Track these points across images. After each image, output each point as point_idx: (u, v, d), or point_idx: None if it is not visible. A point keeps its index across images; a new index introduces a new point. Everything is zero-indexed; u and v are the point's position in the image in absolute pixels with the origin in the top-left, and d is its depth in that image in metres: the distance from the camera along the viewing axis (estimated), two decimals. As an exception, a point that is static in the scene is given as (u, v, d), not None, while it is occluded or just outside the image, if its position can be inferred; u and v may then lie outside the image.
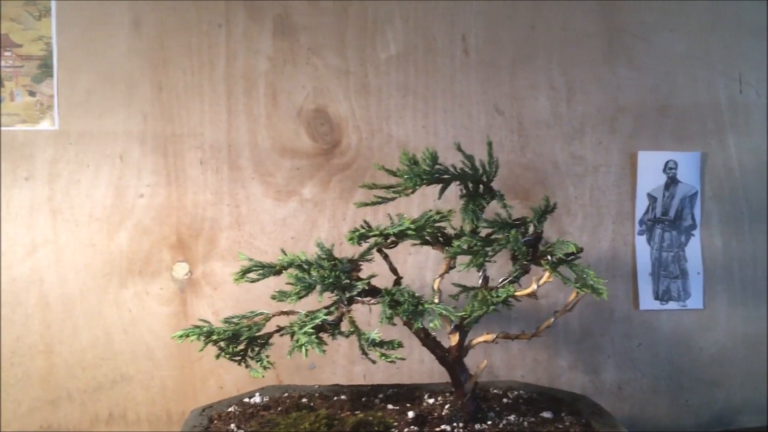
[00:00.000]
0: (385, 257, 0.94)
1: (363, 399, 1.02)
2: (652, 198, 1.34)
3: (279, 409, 0.97)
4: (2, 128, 1.14)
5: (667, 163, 1.34)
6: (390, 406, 0.99)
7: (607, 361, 1.33)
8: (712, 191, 1.36)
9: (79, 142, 1.17)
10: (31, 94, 1.16)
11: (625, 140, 1.33)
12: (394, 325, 0.82)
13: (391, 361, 0.78)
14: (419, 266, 1.26)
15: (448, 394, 1.01)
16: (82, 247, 1.17)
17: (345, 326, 0.84)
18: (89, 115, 1.17)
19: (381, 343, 0.80)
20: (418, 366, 1.27)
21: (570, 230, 1.32)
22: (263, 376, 0.85)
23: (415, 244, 0.93)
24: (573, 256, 0.80)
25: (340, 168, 1.25)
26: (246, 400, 1.02)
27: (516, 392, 1.05)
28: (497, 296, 0.81)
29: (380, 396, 1.03)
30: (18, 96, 1.15)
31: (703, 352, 1.36)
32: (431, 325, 0.78)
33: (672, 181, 1.35)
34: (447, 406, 0.95)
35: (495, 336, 0.92)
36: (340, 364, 1.25)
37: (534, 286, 0.84)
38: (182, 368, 1.20)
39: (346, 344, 1.25)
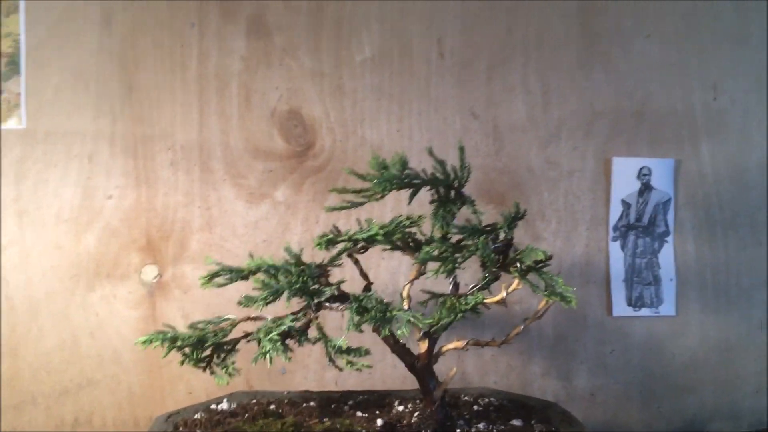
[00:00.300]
0: (356, 262, 0.93)
1: (332, 406, 1.01)
2: (626, 204, 1.34)
3: (246, 416, 0.96)
4: (-33, 126, 1.12)
5: (641, 169, 1.34)
6: (359, 414, 0.98)
7: (580, 368, 1.33)
8: (686, 198, 1.36)
9: (47, 141, 1.15)
10: (-2, 91, 1.13)
11: (601, 145, 1.33)
12: (362, 332, 0.80)
13: (357, 369, 0.77)
14: (392, 271, 1.25)
15: (418, 402, 1.00)
16: (48, 248, 1.15)
17: (313, 332, 0.83)
18: (57, 114, 1.15)
19: (348, 350, 0.79)
20: (390, 371, 1.26)
21: (544, 235, 1.32)
22: (228, 383, 0.83)
23: (385, 249, 0.92)
24: (542, 264, 0.79)
25: (313, 170, 1.23)
26: (213, 406, 1.00)
27: (487, 399, 1.04)
28: (466, 304, 0.80)
29: (350, 403, 1.02)
30: (-16, 94, 1.13)
31: (675, 358, 1.36)
32: (399, 332, 0.77)
33: (646, 188, 1.35)
34: (416, 414, 0.94)
35: (465, 343, 0.91)
36: (312, 369, 1.24)
37: (503, 294, 0.83)
38: (150, 373, 1.18)
39: (318, 349, 1.22)
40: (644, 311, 1.35)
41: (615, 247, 1.34)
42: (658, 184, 1.35)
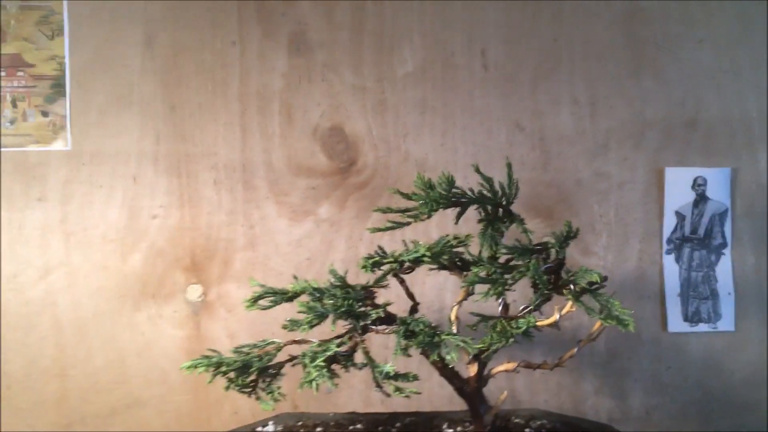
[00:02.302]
0: (401, 282, 0.91)
1: (379, 428, 0.99)
2: (680, 216, 1.30)
3: (293, 439, 0.95)
4: (15, 149, 1.13)
5: (695, 179, 1.30)
6: (407, 437, 0.95)
7: (635, 386, 1.29)
8: (744, 208, 1.31)
9: (92, 162, 1.15)
10: (44, 114, 1.14)
11: (652, 156, 1.29)
12: (410, 356, 0.78)
13: (405, 396, 0.75)
14: (439, 287, 1.23)
15: (467, 424, 0.97)
16: (95, 269, 1.15)
17: (359, 357, 0.81)
18: (102, 135, 1.16)
19: (396, 376, 0.77)
20: (438, 390, 1.23)
21: (594, 249, 1.28)
22: (273, 409, 0.82)
23: (432, 269, 0.89)
24: (597, 285, 0.76)
25: (356, 187, 1.22)
26: (259, 429, 0.99)
27: (539, 422, 1.01)
28: (517, 327, 0.77)
29: (397, 425, 1.00)
30: (31, 116, 1.14)
31: (734, 375, 1.31)
32: (448, 358, 0.75)
33: (701, 198, 1.30)
34: (466, 438, 0.92)
35: (516, 365, 0.88)
36: (358, 389, 1.22)
37: (556, 316, 0.80)
38: (196, 392, 1.17)
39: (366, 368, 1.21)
40: (701, 327, 1.29)
41: (669, 261, 1.30)
42: (714, 195, 1.30)
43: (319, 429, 0.98)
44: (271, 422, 1.00)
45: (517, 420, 1.02)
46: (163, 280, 1.17)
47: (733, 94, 1.29)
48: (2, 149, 1.13)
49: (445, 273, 1.19)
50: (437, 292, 1.23)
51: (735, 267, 1.31)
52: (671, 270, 1.29)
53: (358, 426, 1.00)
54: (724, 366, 1.30)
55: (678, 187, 1.29)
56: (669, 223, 1.30)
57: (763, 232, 1.31)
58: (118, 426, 1.16)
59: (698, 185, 1.29)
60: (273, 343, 0.85)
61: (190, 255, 1.18)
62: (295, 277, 0.85)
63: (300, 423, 1.01)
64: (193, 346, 1.17)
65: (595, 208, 1.28)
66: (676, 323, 1.29)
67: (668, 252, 1.30)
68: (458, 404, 0.96)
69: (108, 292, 1.16)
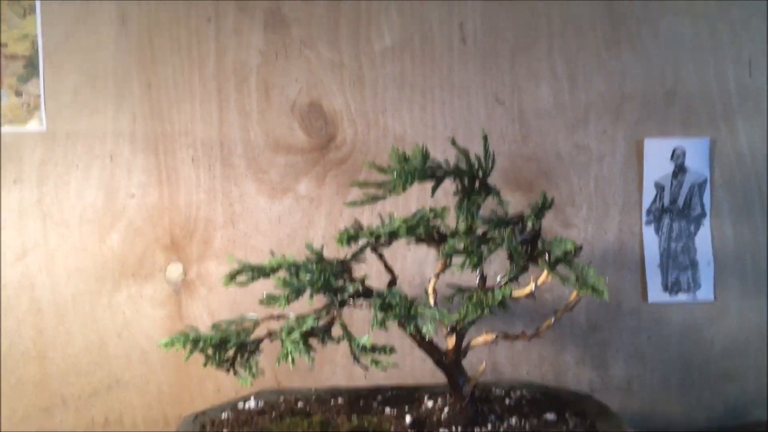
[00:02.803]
0: (380, 257, 0.91)
1: (361, 402, 0.99)
2: (659, 187, 1.30)
3: (273, 414, 0.95)
4: (-12, 130, 1.12)
5: (674, 150, 1.30)
6: (388, 410, 0.96)
7: (616, 356, 1.30)
8: (722, 179, 1.32)
9: (68, 142, 1.14)
10: (18, 94, 1.13)
11: (631, 128, 1.29)
12: (386, 329, 0.78)
13: (383, 369, 0.75)
14: (419, 262, 1.22)
15: (448, 396, 0.97)
16: (73, 250, 1.14)
17: (337, 331, 0.81)
18: (77, 115, 1.14)
19: (373, 349, 0.77)
20: (420, 364, 1.23)
21: (574, 222, 1.28)
22: (251, 384, 0.82)
23: (409, 243, 0.89)
24: (572, 255, 0.76)
25: (336, 163, 1.21)
26: (240, 405, 0.99)
27: (519, 392, 1.02)
28: (493, 298, 0.77)
29: (379, 398, 1.00)
30: (4, 97, 1.12)
31: (714, 344, 1.32)
32: (424, 329, 0.75)
33: (680, 169, 1.30)
34: (446, 410, 0.92)
35: (495, 336, 0.89)
36: (340, 364, 1.22)
37: (531, 286, 0.80)
38: (178, 371, 1.17)
39: (346, 343, 1.22)
40: (681, 297, 1.30)
41: (649, 232, 1.30)
42: (693, 165, 1.30)
43: (300, 404, 0.99)
44: (252, 397, 1.01)
45: (497, 391, 1.03)
46: (143, 260, 1.16)
47: (712, 66, 1.29)
48: (-25, 130, 1.11)
49: (425, 248, 1.20)
50: (418, 266, 1.23)
51: (714, 237, 1.32)
52: (651, 241, 1.30)
53: (340, 400, 1.00)
54: (704, 335, 1.32)
55: (657, 158, 1.30)
56: (648, 194, 1.30)
57: (741, 201, 1.32)
58: (100, 407, 1.15)
59: (677, 156, 1.30)
60: (251, 319, 0.85)
61: (170, 234, 1.17)
62: (272, 253, 0.85)
63: (281, 399, 1.01)
64: (174, 325, 1.17)
65: (575, 181, 1.28)
66: (656, 293, 1.30)
67: (648, 223, 1.30)
68: (440, 378, 0.97)
69: (86, 273, 1.15)
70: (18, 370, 1.13)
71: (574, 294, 0.83)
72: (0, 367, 1.12)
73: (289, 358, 0.73)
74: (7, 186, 1.12)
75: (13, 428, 1.12)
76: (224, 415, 0.96)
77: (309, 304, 0.81)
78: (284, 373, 1.20)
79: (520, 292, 0.81)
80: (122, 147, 1.15)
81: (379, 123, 1.22)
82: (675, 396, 1.31)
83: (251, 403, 0.99)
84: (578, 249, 0.76)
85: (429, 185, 0.89)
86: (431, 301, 0.88)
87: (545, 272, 0.78)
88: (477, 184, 0.86)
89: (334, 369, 1.22)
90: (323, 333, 0.78)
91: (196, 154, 1.17)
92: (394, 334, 1.02)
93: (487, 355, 1.25)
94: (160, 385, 1.17)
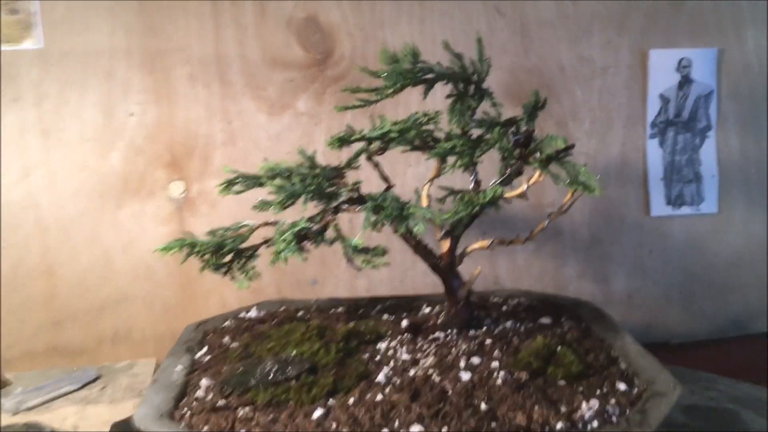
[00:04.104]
0: (376, 165, 0.91)
1: (360, 311, 1.00)
2: (664, 99, 1.28)
3: (274, 321, 0.97)
4: (-16, 49, 1.11)
5: (680, 61, 1.27)
6: (386, 316, 0.97)
7: (618, 270, 1.30)
8: (729, 90, 1.29)
9: (64, 60, 1.13)
10: (13, 12, 1.12)
11: (636, 38, 1.27)
12: (378, 231, 0.79)
13: (374, 267, 0.76)
14: (420, 178, 1.22)
15: (447, 304, 0.99)
16: (75, 169, 1.15)
17: (331, 235, 0.81)
18: (72, 33, 1.13)
19: (365, 250, 0.78)
20: (422, 279, 1.25)
21: (577, 136, 1.27)
22: (248, 287, 0.84)
23: (405, 151, 0.89)
24: (563, 153, 0.76)
25: (334, 79, 1.20)
26: (242, 314, 1.01)
27: (516, 300, 1.03)
28: (484, 197, 0.77)
29: (378, 307, 1.02)
30: (-2, 15, 1.11)
31: (717, 257, 1.32)
32: (416, 229, 0.75)
33: (686, 81, 1.28)
34: (442, 315, 0.93)
35: (490, 242, 0.89)
36: (343, 279, 1.24)
37: (524, 187, 0.80)
38: (184, 287, 1.19)
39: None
40: (684, 210, 1.30)
41: (653, 145, 1.29)
42: (699, 77, 1.28)
43: (300, 313, 1.00)
44: (254, 307, 1.02)
45: (495, 299, 1.04)
46: (144, 178, 1.17)
47: (721, -29, 1.26)
48: (-29, 49, 1.11)
49: (425, 164, 1.19)
50: (419, 182, 1.22)
51: (719, 149, 1.30)
52: (655, 154, 1.29)
53: (339, 310, 1.02)
54: (706, 248, 1.32)
55: (662, 69, 1.27)
56: (653, 106, 1.28)
57: (748, 113, 1.30)
58: (108, 321, 1.18)
59: (683, 67, 1.27)
60: (246, 225, 0.86)
61: (170, 152, 1.17)
62: (265, 160, 0.85)
63: (282, 308, 1.03)
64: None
65: (578, 94, 1.27)
66: (659, 207, 1.29)
67: (652, 136, 1.29)
68: (441, 290, 0.98)
69: (89, 191, 1.16)
70: (27, 286, 1.15)
71: (568, 196, 0.83)
72: (6, 283, 1.14)
73: (282, 256, 0.74)
74: (6, 105, 1.12)
75: (24, 342, 1.16)
76: (226, 323, 0.98)
77: (303, 209, 0.82)
78: (288, 288, 1.22)
79: (512, 193, 0.81)
80: (118, 65, 1.15)
81: (378, 37, 1.20)
82: (676, 308, 1.32)
83: (253, 313, 1.01)
84: (570, 147, 0.75)
85: (430, 97, 0.88)
86: (424, 204, 0.88)
87: (537, 172, 0.78)
88: (471, 88, 0.85)
89: (337, 284, 1.24)
90: (317, 235, 0.79)
91: (193, 71, 1.17)
92: (396, 250, 1.02)
93: (489, 270, 1.27)
94: (167, 300, 1.19)
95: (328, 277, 1.24)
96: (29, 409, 1.00)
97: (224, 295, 1.20)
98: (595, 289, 1.29)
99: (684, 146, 1.29)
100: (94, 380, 1.09)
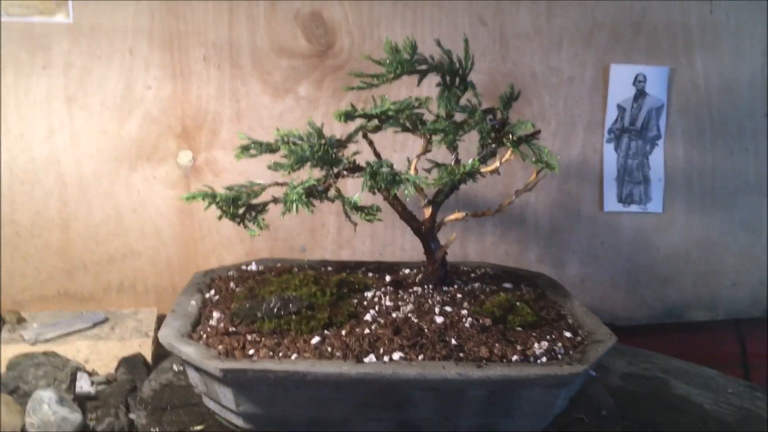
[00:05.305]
0: (370, 143, 1.05)
1: (348, 270, 1.15)
2: (621, 108, 1.45)
3: (272, 273, 1.10)
4: (21, 18, 1.23)
5: (636, 76, 1.45)
6: (370, 274, 1.12)
7: (572, 257, 1.47)
8: (678, 105, 1.47)
9: (92, 35, 1.26)
10: (48, -12, 1.24)
11: (599, 54, 1.43)
12: (374, 193, 0.93)
13: (368, 220, 0.90)
14: (405, 162, 1.37)
15: (423, 268, 1.13)
16: (95, 133, 1.27)
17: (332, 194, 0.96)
18: (100, 10, 1.25)
19: (362, 208, 0.93)
20: (400, 253, 1.40)
21: (544, 136, 1.41)
22: (259, 234, 0.97)
23: (396, 131, 1.04)
24: (532, 136, 0.91)
25: (333, 69, 1.35)
26: (243, 267, 1.15)
27: (483, 270, 1.18)
28: (464, 168, 0.92)
29: (362, 269, 1.16)
30: (36, -11, 1.24)
31: (660, 252, 1.49)
32: (405, 192, 0.90)
33: (640, 94, 1.45)
34: (420, 275, 1.08)
35: (464, 215, 1.04)
36: (329, 249, 1.38)
37: (497, 163, 0.95)
38: (187, 246, 1.32)
39: (335, 230, 1.37)
40: (633, 207, 1.47)
41: (609, 149, 1.46)
42: (653, 91, 1.45)
43: (295, 269, 1.14)
44: (253, 262, 1.16)
45: (464, 268, 1.19)
46: (157, 145, 1.30)
47: (677, 1, 1.43)
48: (9, 18, 1.22)
49: (411, 148, 1.34)
50: (406, 163, 1.37)
51: (667, 157, 1.48)
52: (610, 157, 1.46)
53: (329, 268, 1.16)
54: (651, 243, 1.49)
55: (621, 82, 1.45)
56: (611, 114, 1.45)
57: (694, 126, 1.48)
58: (116, 273, 1.30)
59: (639, 81, 1.45)
60: (258, 184, 0.99)
61: (181, 124, 1.30)
62: (278, 129, 0.98)
63: (279, 264, 1.16)
64: (184, 205, 1.31)
65: (546, 99, 1.43)
66: (612, 203, 1.46)
67: (609, 141, 1.46)
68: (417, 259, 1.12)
69: (107, 154, 1.28)
70: (44, 236, 1.27)
71: (533, 175, 0.99)
72: (25, 231, 1.26)
73: (294, 206, 0.88)
74: (37, 71, 1.24)
75: (38, 287, 1.27)
76: (230, 273, 1.11)
77: (309, 173, 0.96)
78: (280, 255, 1.35)
79: (487, 167, 0.96)
80: (141, 42, 1.28)
81: (374, 35, 1.35)
82: (621, 294, 1.49)
83: (252, 266, 1.15)
84: (537, 132, 0.90)
85: (420, 89, 1.03)
86: (412, 173, 1.03)
87: (509, 151, 0.93)
88: (457, 80, 1.00)
89: (324, 253, 1.38)
90: (321, 193, 0.93)
91: (207, 53, 1.30)
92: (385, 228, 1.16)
93: (459, 250, 1.42)
94: (170, 257, 1.32)
95: (315, 248, 1.38)
96: (47, 340, 1.12)
97: (222, 256, 1.33)
98: (552, 273, 1.43)
99: (636, 152, 1.47)
100: (103, 322, 1.21)
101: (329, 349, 0.86)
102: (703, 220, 1.50)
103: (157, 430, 0.90)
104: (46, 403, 0.95)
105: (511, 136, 0.90)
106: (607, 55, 1.44)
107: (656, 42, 1.45)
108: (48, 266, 1.28)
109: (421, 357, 0.85)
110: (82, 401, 1.02)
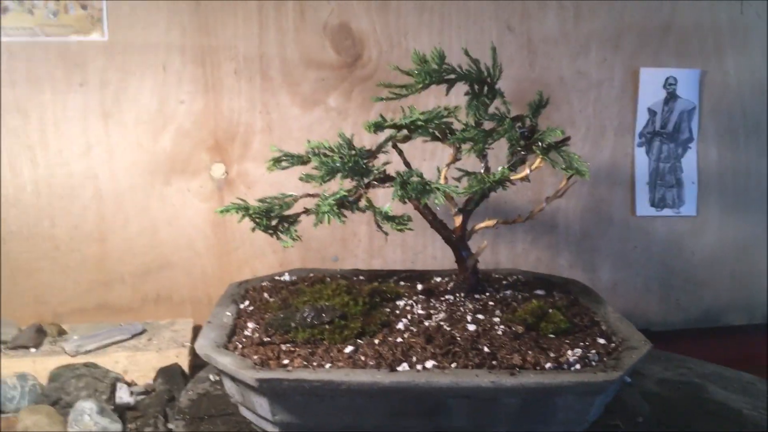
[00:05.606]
0: (400, 153, 1.06)
1: (379, 279, 1.15)
2: (652, 112, 1.44)
3: (305, 283, 1.12)
4: (59, 38, 1.26)
5: (667, 79, 1.44)
6: (402, 283, 1.12)
7: (604, 261, 1.46)
8: (710, 106, 1.46)
9: (126, 52, 1.29)
10: (83, 7, 1.27)
11: (629, 57, 1.43)
12: (405, 203, 0.94)
13: (399, 230, 0.91)
14: (433, 171, 1.37)
15: (455, 276, 1.14)
16: (130, 147, 1.30)
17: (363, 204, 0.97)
18: (134, 28, 1.28)
19: (393, 218, 0.93)
20: (431, 262, 1.40)
21: (574, 140, 1.40)
22: (292, 246, 0.98)
23: (425, 141, 1.04)
24: (561, 143, 0.91)
25: (361, 79, 1.36)
26: (277, 277, 1.16)
27: (515, 277, 1.18)
28: (493, 177, 0.93)
29: (394, 278, 1.17)
30: (71, 9, 1.27)
31: (694, 255, 1.48)
32: (436, 201, 0.90)
33: (671, 97, 1.44)
34: (451, 283, 1.09)
35: (495, 222, 1.04)
36: (361, 258, 1.39)
37: (526, 171, 0.96)
38: (220, 258, 1.35)
39: (367, 239, 1.38)
40: (666, 211, 1.46)
41: (640, 153, 1.45)
42: (684, 94, 1.44)
43: (327, 279, 1.15)
44: (286, 273, 1.17)
45: (497, 275, 1.19)
46: (190, 159, 1.32)
47: (706, 1, 1.42)
48: (47, 38, 1.26)
49: (440, 157, 1.35)
50: (434, 172, 1.38)
51: (699, 159, 1.46)
52: (641, 161, 1.45)
53: (361, 277, 1.17)
54: (685, 247, 1.47)
55: (651, 86, 1.44)
56: (641, 118, 1.44)
57: (726, 128, 1.46)
58: (152, 284, 1.33)
59: (669, 84, 1.44)
60: (290, 195, 1.01)
61: (214, 137, 1.33)
62: (309, 141, 1.00)
63: (311, 275, 1.18)
64: (217, 217, 1.33)
65: (576, 104, 1.43)
66: (644, 208, 1.45)
67: (639, 145, 1.45)
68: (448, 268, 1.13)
69: (142, 168, 1.31)
70: (82, 249, 1.30)
71: (564, 181, 0.98)
72: (64, 245, 1.29)
73: (326, 218, 0.89)
74: (74, 89, 1.27)
75: (77, 300, 1.30)
76: (264, 283, 1.13)
77: (340, 184, 0.97)
78: (312, 265, 1.37)
79: (517, 175, 0.96)
80: (173, 58, 1.30)
81: (402, 44, 1.36)
82: (655, 299, 1.48)
83: (286, 277, 1.16)
84: (567, 138, 0.90)
85: (447, 99, 1.04)
86: (442, 181, 1.04)
87: (539, 158, 0.93)
88: (486, 88, 1.01)
89: (356, 262, 1.39)
90: (352, 203, 0.94)
91: (238, 67, 1.32)
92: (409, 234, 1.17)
93: (491, 257, 1.42)
94: (205, 268, 1.34)
95: (347, 257, 1.39)
96: (87, 352, 1.15)
97: (255, 267, 1.35)
98: (584, 278, 1.43)
99: (668, 155, 1.45)
100: (141, 333, 1.24)
101: (362, 358, 0.86)
102: (737, 222, 1.48)
103: (196, 439, 0.91)
104: (87, 413, 0.97)
105: (540, 143, 0.90)
106: (636, 59, 1.43)
107: (686, 44, 1.43)
108: (86, 279, 1.31)
109: (454, 365, 0.85)
110: (121, 411, 1.05)
